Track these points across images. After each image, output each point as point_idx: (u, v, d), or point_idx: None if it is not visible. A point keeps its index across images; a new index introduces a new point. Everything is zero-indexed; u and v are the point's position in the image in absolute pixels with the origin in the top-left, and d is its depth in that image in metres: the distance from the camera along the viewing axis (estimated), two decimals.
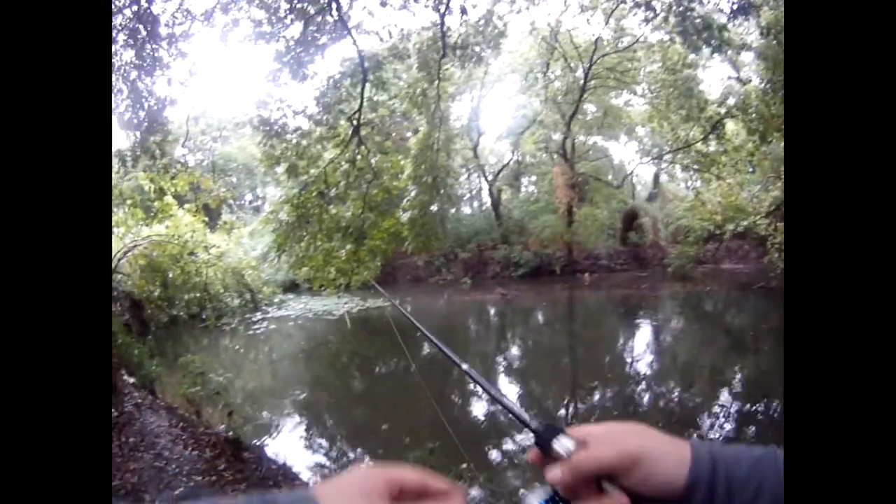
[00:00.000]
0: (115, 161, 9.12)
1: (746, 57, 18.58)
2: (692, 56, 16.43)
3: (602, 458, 0.60)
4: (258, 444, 6.08)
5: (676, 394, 8.99)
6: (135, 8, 7.79)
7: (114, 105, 8.35)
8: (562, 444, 0.61)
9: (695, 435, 6.80)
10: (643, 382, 9.80)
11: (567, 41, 20.89)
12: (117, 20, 7.70)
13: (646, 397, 8.94)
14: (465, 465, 4.77)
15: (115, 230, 13.28)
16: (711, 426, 7.32)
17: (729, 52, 13.72)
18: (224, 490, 4.13)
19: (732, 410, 7.83)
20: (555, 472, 0.60)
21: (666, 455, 0.61)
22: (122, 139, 9.47)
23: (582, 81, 21.38)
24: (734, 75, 20.50)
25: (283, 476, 5.18)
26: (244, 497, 0.54)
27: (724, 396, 8.39)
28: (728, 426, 7.31)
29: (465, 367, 0.84)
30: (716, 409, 7.89)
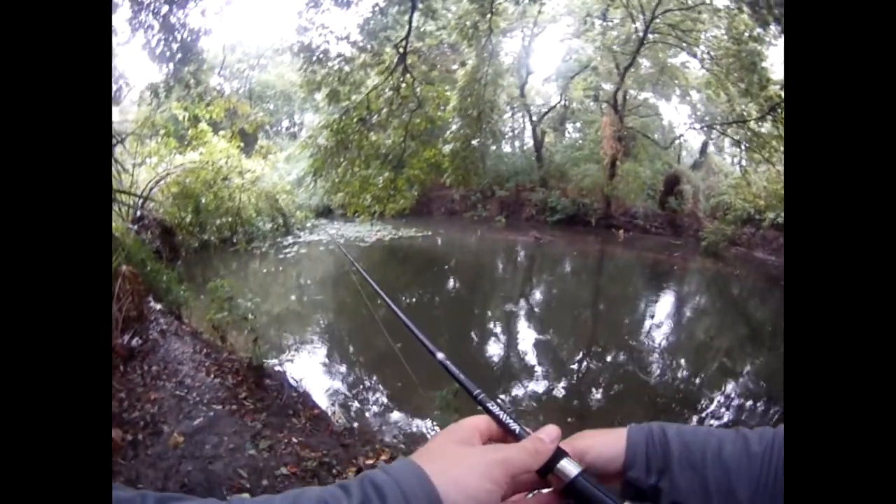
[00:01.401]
0: (147, 93, 9.13)
1: None
2: (759, 30, 15.27)
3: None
4: (280, 370, 6.23)
5: (684, 373, 8.89)
6: None
7: (144, 40, 8.28)
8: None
9: (694, 419, 6.82)
10: (655, 353, 9.71)
11: None
12: None
13: (654, 369, 8.87)
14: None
15: (147, 160, 13.44)
16: (710, 414, 7.25)
17: None
18: (244, 420, 4.26)
19: (733, 403, 7.71)
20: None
21: (603, 444, 0.73)
22: (154, 72, 9.45)
23: (641, 34, 20.14)
24: None
25: (303, 404, 5.32)
26: (343, 483, 0.55)
27: (730, 386, 8.27)
28: (725, 417, 7.22)
29: (439, 356, 0.85)
30: (718, 397, 7.81)
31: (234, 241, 15.35)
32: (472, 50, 17.38)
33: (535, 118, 27.37)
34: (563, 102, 27.24)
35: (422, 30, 13.45)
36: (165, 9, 8.19)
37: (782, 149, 17.96)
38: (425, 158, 15.91)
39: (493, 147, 26.33)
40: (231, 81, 31.57)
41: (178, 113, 11.60)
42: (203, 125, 12.81)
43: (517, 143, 31.35)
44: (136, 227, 9.78)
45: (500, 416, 0.68)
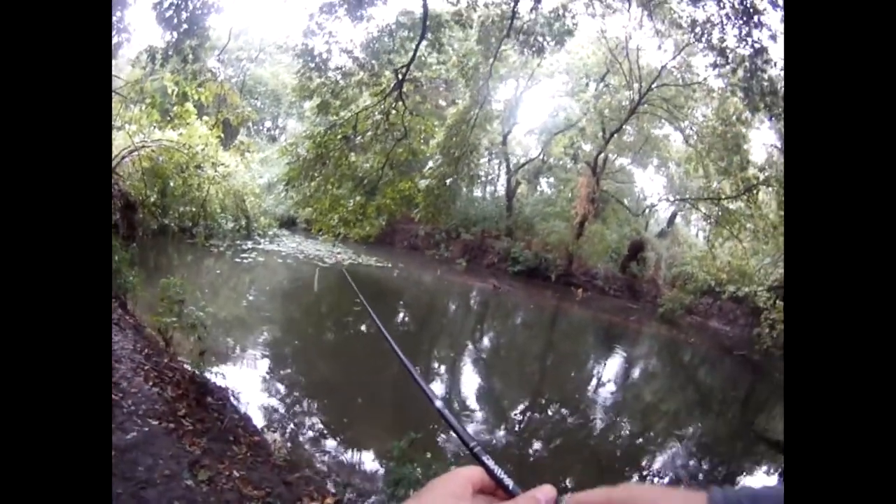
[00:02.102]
0: (144, 55, 8.78)
1: None
2: (747, 114, 16.14)
3: (596, 495, 0.58)
4: (223, 385, 5.83)
5: (627, 431, 8.91)
6: None
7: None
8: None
9: (634, 478, 6.76)
10: (600, 411, 9.74)
11: (633, 59, 20.44)
12: None
13: (598, 425, 8.88)
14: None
15: (126, 127, 12.84)
16: (652, 472, 7.25)
17: (780, 121, 13.50)
18: (182, 442, 3.85)
19: (677, 463, 7.76)
20: None
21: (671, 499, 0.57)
22: (156, 37, 9.10)
23: (634, 102, 20.95)
24: (777, 145, 20.12)
25: (244, 429, 4.92)
26: None
27: (675, 448, 8.34)
28: (667, 476, 7.24)
29: (437, 404, 0.80)
30: (662, 457, 7.83)
31: (194, 232, 14.76)
32: (467, 90, 17.58)
33: (512, 168, 27.77)
34: (542, 156, 27.79)
35: (424, 60, 13.49)
36: None
37: (749, 226, 18.89)
38: (400, 189, 15.82)
39: (466, 189, 26.53)
40: (227, 68, 31.00)
41: (169, 85, 11.17)
42: (190, 105, 12.37)
43: (489, 189, 31.71)
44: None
45: (495, 471, 0.65)
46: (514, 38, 11.70)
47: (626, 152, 25.75)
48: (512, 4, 10.68)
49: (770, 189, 17.64)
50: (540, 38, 11.39)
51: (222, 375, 5.78)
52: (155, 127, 13.67)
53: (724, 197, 19.73)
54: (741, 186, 18.10)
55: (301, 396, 7.66)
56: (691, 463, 7.84)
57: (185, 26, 8.27)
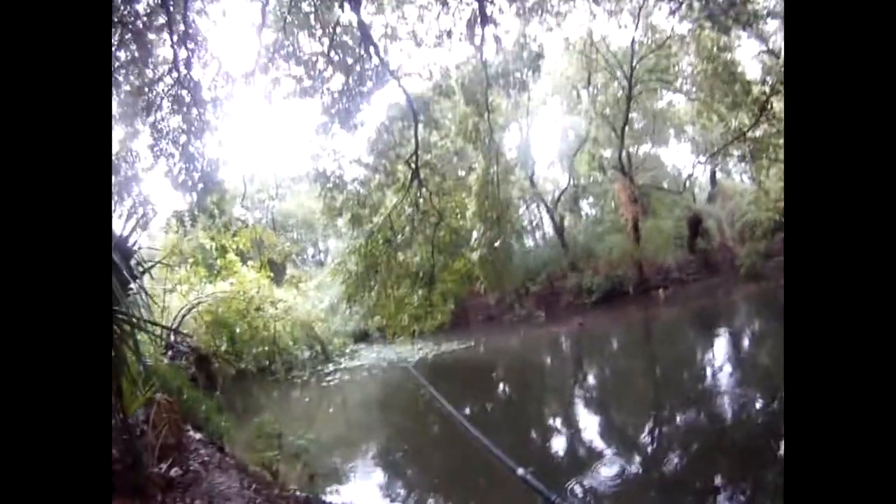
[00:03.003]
0: (173, 221, 9.51)
1: (770, 27, 17.87)
2: (724, 39, 15.88)
3: None
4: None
5: (760, 404, 8.37)
6: (175, 75, 8.23)
7: (167, 168, 8.76)
8: None
9: (781, 445, 6.30)
10: (725, 396, 9.25)
11: (604, 49, 20.73)
12: (160, 87, 8.17)
13: (727, 412, 8.47)
14: None
15: (178, 288, 13.71)
16: None
17: (754, 25, 13.17)
18: None
19: None
20: None
21: None
22: (178, 201, 9.87)
23: (626, 89, 20.99)
24: (763, 48, 19.44)
25: None
26: None
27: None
28: None
29: (519, 472, 0.76)
30: None
31: (273, 369, 15.16)
32: (478, 152, 18.01)
33: (550, 205, 27.75)
34: (572, 182, 27.74)
35: (428, 142, 14.01)
36: (184, 138, 8.68)
37: (780, 142, 17.96)
38: (455, 270, 16.04)
39: (518, 244, 26.54)
40: (253, 212, 32.78)
41: (206, 242, 11.96)
42: (231, 255, 13.16)
43: (539, 234, 31.61)
44: (170, 352, 9.70)
45: None
46: (496, 85, 12.07)
47: (644, 138, 25.51)
48: (478, 55, 11.11)
49: (780, 95, 16.84)
50: (517, 74, 11.71)
51: (337, 492, 5.77)
52: (206, 282, 14.49)
53: (746, 129, 18.96)
54: (755, 109, 17.41)
55: (422, 494, 7.53)
56: None
57: (200, 185, 8.96)
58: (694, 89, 20.77)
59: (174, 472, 4.26)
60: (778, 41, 18.94)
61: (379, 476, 8.55)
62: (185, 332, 12.32)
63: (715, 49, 17.26)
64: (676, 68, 20.99)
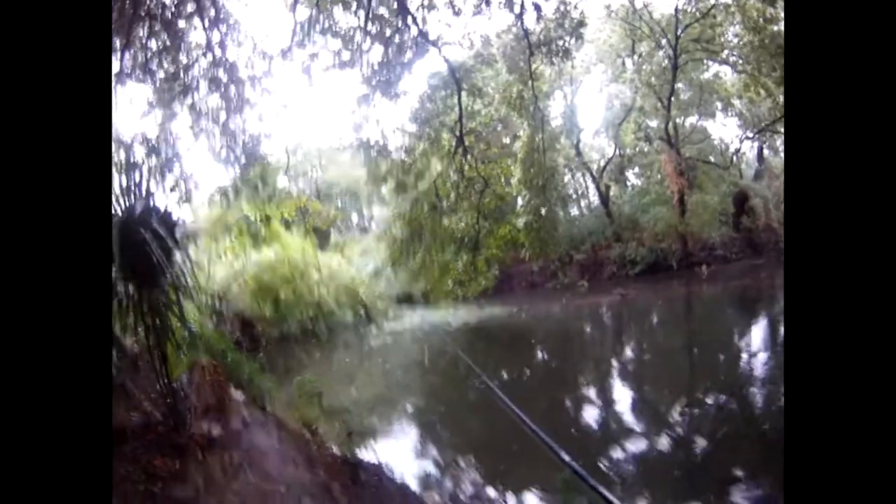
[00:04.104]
0: (216, 195, 9.92)
1: None
2: (770, 10, 14.99)
3: None
4: (376, 461, 6.15)
5: None
6: (210, 57, 8.46)
7: (208, 144, 9.11)
8: None
9: None
10: (758, 384, 9.11)
11: (647, 17, 19.94)
12: (195, 70, 8.44)
13: (758, 401, 8.38)
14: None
15: (222, 257, 14.21)
16: None
17: None
18: None
19: None
20: None
21: None
22: (222, 176, 10.24)
23: (672, 58, 20.20)
24: None
25: (402, 497, 5.16)
26: None
27: None
28: None
29: (566, 458, 0.83)
30: None
31: (316, 332, 15.55)
32: (522, 120, 17.83)
33: (595, 174, 27.28)
34: (618, 151, 27.11)
35: (471, 110, 13.97)
36: (223, 116, 9.00)
37: None
38: (501, 236, 16.10)
39: (563, 212, 26.31)
40: (297, 181, 33.27)
41: (250, 213, 12.30)
42: (276, 224, 13.53)
43: (584, 203, 31.17)
44: (215, 320, 10.14)
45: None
46: (539, 53, 11.88)
47: (690, 109, 24.55)
48: (518, 23, 10.92)
49: None
50: (560, 42, 11.49)
51: (373, 450, 6.13)
52: (250, 251, 14.97)
53: None
54: None
55: (454, 455, 7.82)
56: None
57: (243, 159, 9.30)
58: (740, 61, 19.83)
59: (216, 431, 4.56)
60: None
61: (414, 436, 8.93)
62: (229, 298, 12.79)
63: (761, 20, 16.38)
64: (722, 39, 20.05)
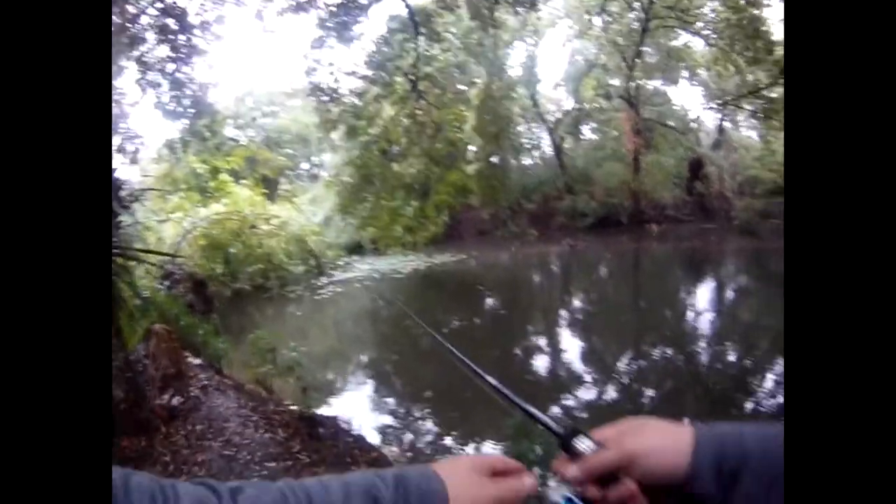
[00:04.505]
0: (164, 150, 9.37)
1: None
2: None
3: (605, 459, 0.67)
4: (331, 415, 6.13)
5: (735, 356, 8.73)
6: (159, 5, 7.84)
7: (155, 98, 8.55)
8: (583, 444, 0.69)
9: (749, 405, 6.66)
10: (703, 341, 9.60)
11: None
12: (144, 20, 7.80)
13: (704, 358, 8.76)
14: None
15: (171, 216, 13.61)
16: (767, 392, 7.02)
17: None
18: (301, 476, 4.07)
19: None
20: (571, 470, 0.68)
21: (663, 450, 0.67)
22: (169, 129, 9.68)
23: (642, 22, 20.07)
24: None
25: (360, 449, 5.17)
26: (380, 473, 0.67)
27: (782, 365, 8.03)
28: (782, 395, 6.99)
29: (492, 381, 0.92)
30: (772, 375, 7.55)
31: (268, 286, 15.23)
32: (480, 67, 17.46)
33: (551, 126, 27.24)
34: (576, 105, 27.07)
35: (428, 54, 13.52)
36: (172, 66, 8.44)
37: None
38: (451, 182, 15.98)
39: (515, 161, 26.27)
40: (246, 130, 32.11)
41: (198, 166, 11.80)
42: (224, 175, 13.01)
43: (537, 154, 31.15)
44: (166, 283, 9.91)
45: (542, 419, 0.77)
46: (503, 2, 11.53)
47: (655, 73, 24.63)
48: None
49: None
50: None
51: (328, 405, 6.09)
52: (199, 206, 14.37)
53: (762, 87, 18.52)
54: (775, 71, 16.98)
55: (410, 405, 7.90)
56: None
57: (191, 110, 8.76)
58: (714, 35, 19.90)
59: (175, 401, 4.44)
60: None
61: (369, 388, 8.96)
62: (180, 259, 12.34)
63: (743, 1, 16.45)
64: (699, 11, 20.01)
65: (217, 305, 12.50)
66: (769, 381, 7.41)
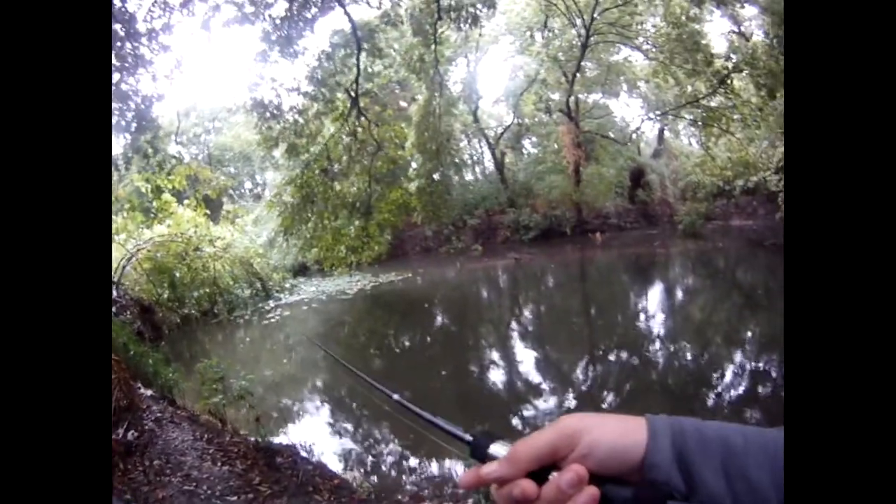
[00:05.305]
0: None
1: (747, 12, 18.15)
2: (695, 10, 15.95)
3: (537, 440, 0.57)
4: (289, 443, 5.87)
5: (690, 354, 8.95)
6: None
7: None
8: (499, 449, 0.58)
9: (710, 398, 6.81)
10: (657, 342, 9.77)
11: None
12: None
13: (660, 358, 8.90)
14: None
15: (115, 237, 12.89)
16: (727, 385, 7.26)
17: (730, 6, 13.36)
18: None
19: (747, 368, 7.79)
20: (490, 466, 0.57)
21: (610, 426, 0.58)
22: (112, 143, 9.14)
23: (583, 38, 20.74)
24: (735, 30, 19.83)
25: (321, 476, 4.95)
26: None
27: (738, 356, 8.37)
28: (742, 385, 7.26)
29: (395, 397, 0.89)
30: (730, 367, 7.84)
31: (216, 311, 14.71)
32: (421, 84, 17.51)
33: (492, 141, 27.65)
34: (516, 120, 27.65)
35: (370, 71, 13.44)
36: (116, 76, 7.97)
37: (739, 119, 18.76)
38: (392, 200, 15.84)
39: (457, 177, 26.48)
40: (189, 147, 31.22)
41: (141, 185, 11.25)
42: (167, 195, 12.45)
43: (479, 170, 31.60)
44: (113, 308, 9.36)
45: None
46: (446, 18, 11.60)
47: (595, 87, 25.56)
48: None
49: (743, 74, 17.46)
50: (471, 9, 11.28)
51: (285, 433, 5.83)
52: (143, 227, 13.75)
53: (701, 97, 19.55)
54: (714, 81, 17.96)
55: (369, 427, 7.69)
56: (761, 365, 7.80)
57: (134, 124, 8.33)
58: (654, 50, 20.81)
59: (131, 435, 4.14)
60: (751, 27, 19.18)
61: (325, 412, 8.66)
62: (125, 283, 11.68)
63: (684, 17, 17.31)
64: (639, 26, 20.88)
65: (166, 332, 11.90)
66: (728, 373, 7.68)
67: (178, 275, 13.86)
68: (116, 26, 7.47)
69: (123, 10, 7.50)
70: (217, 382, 5.73)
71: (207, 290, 14.62)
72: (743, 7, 16.47)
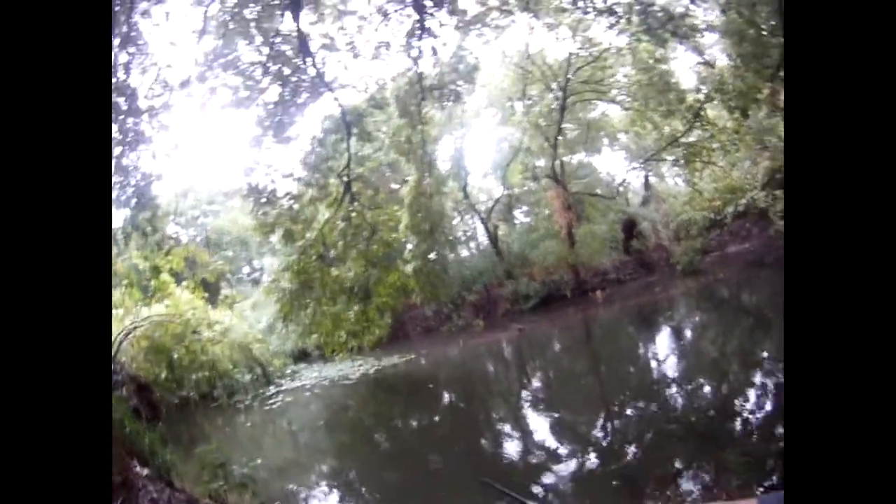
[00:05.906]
0: None
1: (707, 40, 18.98)
2: (660, 51, 16.74)
3: None
4: None
5: (709, 387, 8.82)
6: (112, 80, 7.75)
7: None
8: None
9: (737, 422, 6.70)
10: (673, 385, 9.61)
11: (540, 62, 21.28)
12: None
13: (678, 400, 8.75)
14: None
15: (113, 311, 12.87)
16: (752, 408, 7.13)
17: (691, 38, 13.95)
18: None
19: (769, 386, 7.64)
20: None
21: None
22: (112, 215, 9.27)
23: (561, 99, 21.64)
24: (700, 60, 20.72)
25: None
26: None
27: (758, 377, 8.19)
28: (769, 403, 7.06)
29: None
30: (751, 391, 7.65)
31: (215, 395, 14.44)
32: (410, 165, 18.00)
33: (483, 215, 28.08)
34: (505, 192, 28.22)
35: (360, 154, 13.85)
36: (118, 150, 8.14)
37: (719, 147, 19.15)
38: (390, 283, 15.86)
39: (452, 255, 26.64)
40: (187, 229, 31.38)
41: (139, 262, 11.30)
42: (165, 276, 12.47)
43: (473, 245, 31.86)
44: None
45: None
46: (430, 98, 12.11)
47: (577, 147, 26.39)
48: (414, 67, 11.13)
49: (715, 102, 17.92)
50: (452, 86, 11.81)
51: None
52: (140, 305, 13.68)
53: (679, 135, 20.11)
54: (689, 116, 18.50)
55: None
56: (783, 377, 7.64)
57: (134, 200, 8.45)
58: (628, 99, 21.72)
59: None
60: (714, 53, 20.15)
61: (334, 498, 8.29)
62: (122, 359, 11.53)
63: (651, 61, 18.14)
64: (612, 79, 21.86)
65: (163, 413, 11.54)
66: (751, 396, 7.46)
67: (175, 356, 13.66)
68: (119, 99, 7.73)
69: (126, 84, 7.80)
70: (218, 468, 5.51)
71: (206, 374, 14.38)
72: (703, 36, 17.12)
